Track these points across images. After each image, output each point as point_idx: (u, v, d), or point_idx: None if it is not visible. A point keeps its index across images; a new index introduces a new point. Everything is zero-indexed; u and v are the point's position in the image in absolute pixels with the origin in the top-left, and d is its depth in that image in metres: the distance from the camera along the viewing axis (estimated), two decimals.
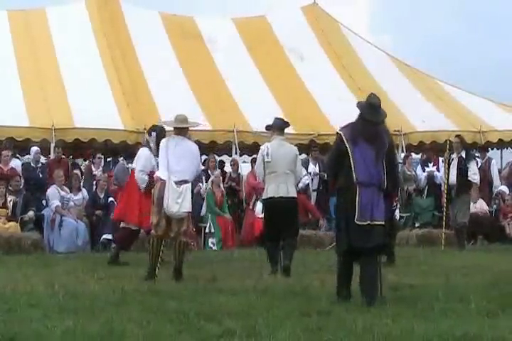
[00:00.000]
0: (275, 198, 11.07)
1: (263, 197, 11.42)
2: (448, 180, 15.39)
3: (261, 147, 11.38)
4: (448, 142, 15.58)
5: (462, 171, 15.29)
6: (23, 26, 19.68)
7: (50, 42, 19.10)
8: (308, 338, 6.28)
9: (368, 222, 8.09)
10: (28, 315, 7.23)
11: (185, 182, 10.25)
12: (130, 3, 21.00)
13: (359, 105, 8.56)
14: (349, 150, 8.20)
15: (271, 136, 11.36)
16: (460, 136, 15.99)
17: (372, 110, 8.42)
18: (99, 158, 17.55)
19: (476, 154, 18.56)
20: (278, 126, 11.31)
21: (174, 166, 10.19)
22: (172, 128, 10.80)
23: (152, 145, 11.85)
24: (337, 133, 8.46)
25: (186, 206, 10.23)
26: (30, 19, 19.94)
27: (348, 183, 8.19)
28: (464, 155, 15.45)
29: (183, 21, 21.14)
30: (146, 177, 11.79)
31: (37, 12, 20.29)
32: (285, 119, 11.77)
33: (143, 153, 12.08)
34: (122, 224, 12.51)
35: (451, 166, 15.41)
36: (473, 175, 15.40)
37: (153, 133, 11.94)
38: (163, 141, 10.59)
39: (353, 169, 8.16)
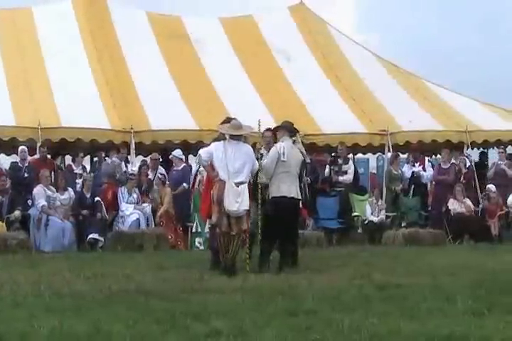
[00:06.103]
0: (287, 198, 11.27)
1: (273, 195, 11.35)
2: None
3: (275, 145, 11.57)
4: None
5: None
6: (9, 25, 19.61)
7: (36, 42, 19.03)
8: (296, 338, 6.29)
9: None
10: (14, 314, 7.21)
11: (243, 183, 10.84)
12: (117, 3, 20.96)
13: None
14: None
15: (280, 137, 11.69)
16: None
17: None
18: (80, 156, 17.46)
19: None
20: (288, 129, 11.74)
21: (232, 169, 10.81)
22: None
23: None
24: None
25: (245, 204, 10.80)
26: (17, 18, 19.87)
27: None
28: None
29: (170, 21, 21.09)
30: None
31: (23, 11, 20.20)
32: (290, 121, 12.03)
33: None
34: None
35: None
36: None
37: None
38: (220, 144, 11.04)
39: None
